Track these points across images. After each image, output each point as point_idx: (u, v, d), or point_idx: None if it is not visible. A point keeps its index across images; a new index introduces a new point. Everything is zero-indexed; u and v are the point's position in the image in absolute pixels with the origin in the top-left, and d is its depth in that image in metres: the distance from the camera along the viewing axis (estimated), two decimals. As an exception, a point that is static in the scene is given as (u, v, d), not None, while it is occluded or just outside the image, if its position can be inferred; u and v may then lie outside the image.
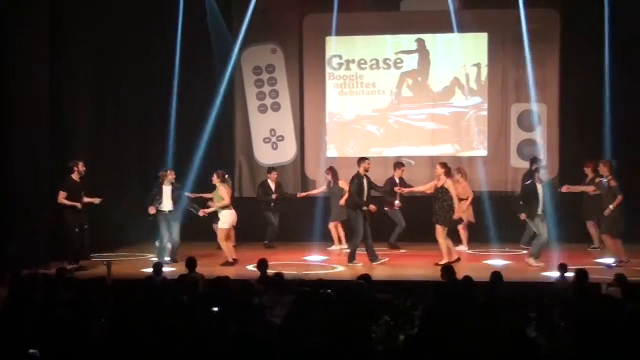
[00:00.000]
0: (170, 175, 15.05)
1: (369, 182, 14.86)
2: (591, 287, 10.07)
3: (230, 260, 14.61)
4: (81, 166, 14.22)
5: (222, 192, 14.85)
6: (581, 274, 10.28)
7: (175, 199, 14.99)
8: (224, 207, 14.86)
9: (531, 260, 14.26)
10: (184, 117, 17.96)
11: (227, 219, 14.87)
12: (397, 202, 16.42)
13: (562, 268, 11.32)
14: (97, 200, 14.54)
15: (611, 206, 14.11)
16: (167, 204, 14.93)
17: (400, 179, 16.74)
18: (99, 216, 15.03)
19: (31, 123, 14.41)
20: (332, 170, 16.96)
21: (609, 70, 16.89)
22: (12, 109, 14.18)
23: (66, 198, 14.04)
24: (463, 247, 16.28)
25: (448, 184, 14.72)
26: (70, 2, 15.51)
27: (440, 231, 14.61)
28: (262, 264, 11.35)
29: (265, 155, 18.84)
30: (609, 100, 16.99)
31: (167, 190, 14.95)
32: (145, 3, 17.11)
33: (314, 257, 15.60)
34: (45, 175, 14.57)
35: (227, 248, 14.78)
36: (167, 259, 14.57)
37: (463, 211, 15.73)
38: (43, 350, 6.76)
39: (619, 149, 16.66)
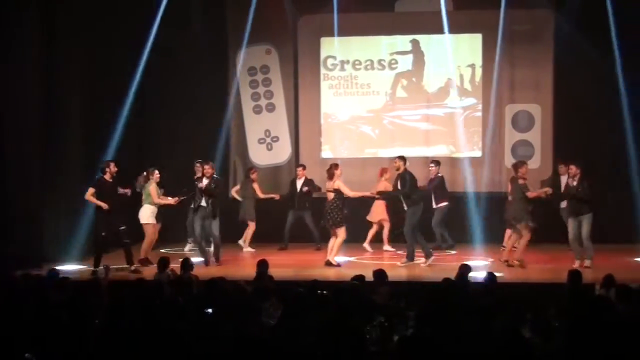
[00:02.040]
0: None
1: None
2: (585, 288, 10.09)
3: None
4: (113, 167, 14.13)
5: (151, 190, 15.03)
6: (575, 274, 10.28)
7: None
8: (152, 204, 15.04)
9: None
10: (179, 117, 17.96)
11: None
12: None
13: (465, 269, 11.27)
14: (128, 192, 14.67)
15: None
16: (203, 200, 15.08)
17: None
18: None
19: (23, 126, 14.40)
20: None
21: (604, 71, 16.91)
22: (4, 110, 14.16)
23: (97, 198, 13.91)
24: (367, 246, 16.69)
25: (339, 184, 14.75)
26: (63, 6, 15.48)
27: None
28: (262, 265, 11.34)
29: (260, 156, 18.84)
30: (604, 101, 17.07)
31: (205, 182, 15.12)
32: (138, 4, 17.07)
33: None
34: (38, 177, 14.55)
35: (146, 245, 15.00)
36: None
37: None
38: (38, 354, 6.75)
39: (614, 149, 16.75)
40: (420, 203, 14.79)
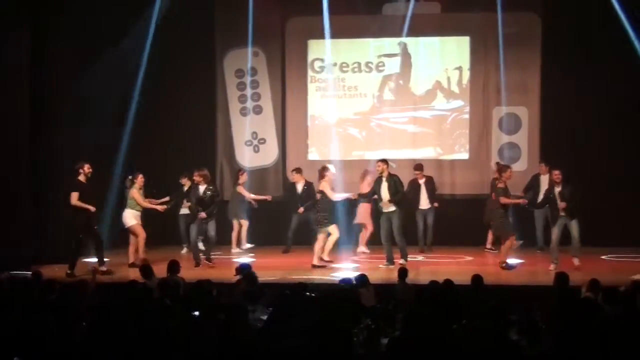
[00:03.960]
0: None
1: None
2: (571, 290, 10.10)
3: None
4: (87, 168, 14.09)
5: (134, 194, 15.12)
6: (562, 277, 10.30)
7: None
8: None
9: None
10: (166, 119, 17.95)
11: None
12: None
13: (403, 272, 11.38)
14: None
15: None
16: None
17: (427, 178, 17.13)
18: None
19: (11, 127, 14.36)
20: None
21: (591, 73, 16.96)
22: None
23: (78, 199, 13.91)
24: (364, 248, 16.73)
25: (323, 186, 14.93)
26: (54, 7, 15.46)
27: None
28: (243, 269, 11.31)
29: (246, 158, 18.81)
30: (591, 103, 17.13)
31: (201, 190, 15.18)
32: (125, 6, 17.02)
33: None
34: (26, 177, 14.52)
35: (133, 246, 15.15)
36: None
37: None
38: (24, 356, 6.73)
39: (600, 153, 16.81)
40: (403, 206, 14.96)
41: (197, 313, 8.34)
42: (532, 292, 11.64)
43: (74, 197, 13.91)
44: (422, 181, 16.98)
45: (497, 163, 16.39)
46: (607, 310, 8.31)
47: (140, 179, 15.14)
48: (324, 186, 14.85)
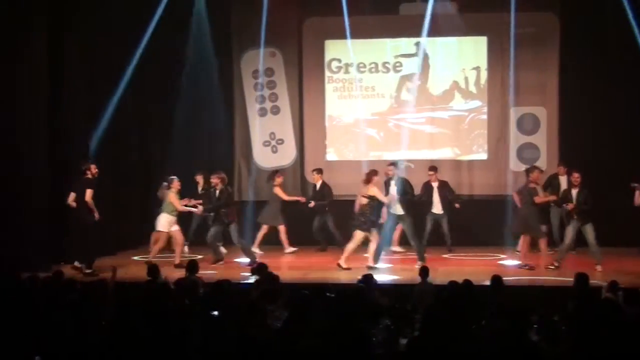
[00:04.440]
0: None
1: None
2: (592, 291, 10.08)
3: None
4: (93, 169, 14.18)
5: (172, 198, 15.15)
6: (581, 278, 10.27)
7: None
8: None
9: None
10: (184, 120, 17.98)
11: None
12: None
13: (424, 272, 11.32)
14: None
15: None
16: None
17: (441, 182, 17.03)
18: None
19: (29, 125, 14.43)
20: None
21: (609, 73, 16.90)
22: (11, 112, 14.19)
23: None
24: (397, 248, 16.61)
25: (374, 191, 14.79)
26: (70, 6, 15.50)
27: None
28: (261, 269, 11.32)
29: (264, 158, 18.82)
30: (610, 104, 17.06)
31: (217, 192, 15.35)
32: (143, 6, 17.09)
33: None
34: (45, 178, 14.57)
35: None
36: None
37: None
38: (45, 355, 6.76)
39: (619, 152, 16.73)
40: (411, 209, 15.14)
41: (216, 313, 8.36)
42: (551, 292, 11.62)
43: (89, 195, 13.97)
44: (435, 184, 16.87)
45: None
46: (627, 311, 8.28)
47: (176, 183, 15.20)
48: (375, 191, 14.71)
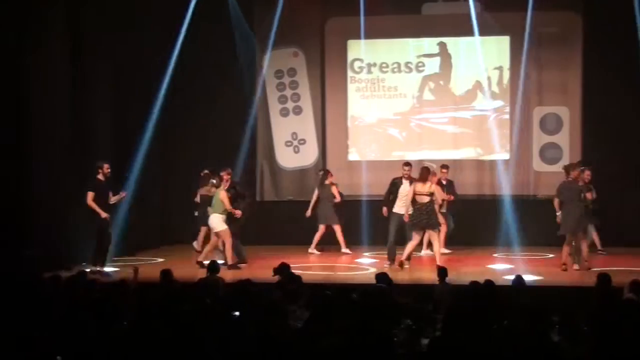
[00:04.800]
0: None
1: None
2: (613, 291, 10.01)
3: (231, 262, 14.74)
4: (106, 168, 14.15)
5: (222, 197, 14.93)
6: (604, 278, 10.21)
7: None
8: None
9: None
10: (206, 121, 18.03)
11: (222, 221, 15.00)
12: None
13: (442, 272, 11.26)
14: (124, 194, 14.63)
15: None
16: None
17: (448, 181, 16.83)
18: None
19: (51, 127, 14.50)
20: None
21: (633, 73, 16.79)
22: (29, 111, 14.27)
23: (93, 199, 13.98)
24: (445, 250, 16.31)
25: (434, 188, 14.78)
26: (91, 10, 15.58)
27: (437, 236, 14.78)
28: (283, 269, 11.31)
29: (287, 158, 18.86)
30: (633, 103, 16.97)
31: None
32: (165, 8, 17.15)
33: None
34: (63, 178, 14.64)
35: (228, 251, 14.85)
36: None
37: None
38: (66, 355, 6.78)
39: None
40: None
41: (237, 313, 8.38)
42: (573, 292, 11.57)
43: (89, 197, 13.97)
44: (445, 183, 16.73)
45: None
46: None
47: (226, 177, 15.08)
48: (435, 188, 14.74)
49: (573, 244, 14.24)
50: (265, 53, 18.66)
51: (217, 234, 14.88)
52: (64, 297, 9.08)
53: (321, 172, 17.40)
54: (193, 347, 6.87)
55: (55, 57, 14.66)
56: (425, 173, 14.74)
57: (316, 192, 17.08)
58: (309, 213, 17.08)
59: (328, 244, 17.03)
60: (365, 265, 15.35)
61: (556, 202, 14.44)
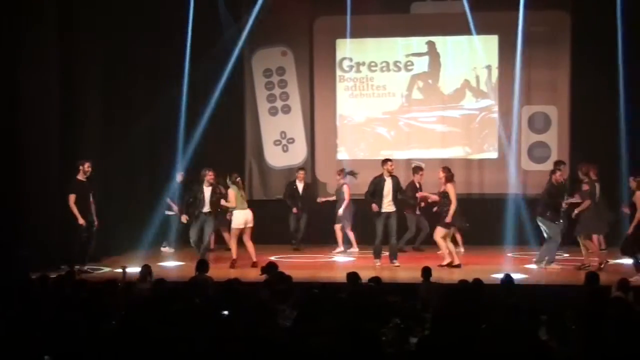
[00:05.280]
0: (209, 177, 14.94)
1: (395, 184, 14.90)
2: (602, 289, 10.05)
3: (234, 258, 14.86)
4: (87, 166, 14.07)
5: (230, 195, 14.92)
6: (592, 276, 10.25)
7: (215, 202, 14.90)
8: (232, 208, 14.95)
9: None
10: (194, 118, 17.99)
11: (235, 219, 14.96)
12: (421, 205, 16.63)
13: (426, 272, 11.27)
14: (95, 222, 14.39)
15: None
16: (206, 206, 14.89)
17: (419, 183, 16.79)
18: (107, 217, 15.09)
19: (41, 125, 14.46)
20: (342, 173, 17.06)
21: (621, 72, 16.84)
22: (22, 111, 14.23)
23: (75, 201, 13.91)
24: (461, 250, 16.26)
25: (448, 188, 14.74)
26: (79, 3, 15.54)
27: (440, 232, 14.77)
28: (270, 268, 11.30)
29: (275, 157, 18.86)
30: (622, 102, 16.99)
31: (207, 191, 14.89)
32: (155, 4, 17.13)
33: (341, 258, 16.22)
34: (55, 177, 14.59)
35: (233, 248, 15.01)
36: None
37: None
38: (55, 355, 6.77)
39: (632, 151, 16.66)
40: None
41: (226, 312, 8.37)
42: (561, 291, 11.60)
43: (71, 200, 13.90)
44: (418, 184, 16.79)
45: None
46: (637, 310, 8.26)
47: (234, 177, 15.09)
48: (451, 190, 14.80)
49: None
50: (253, 52, 18.65)
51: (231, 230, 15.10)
52: (52, 297, 9.06)
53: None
54: (182, 346, 6.86)
55: (47, 59, 14.62)
56: (447, 173, 14.92)
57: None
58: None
59: (328, 243, 17.14)
60: (340, 263, 15.63)
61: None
